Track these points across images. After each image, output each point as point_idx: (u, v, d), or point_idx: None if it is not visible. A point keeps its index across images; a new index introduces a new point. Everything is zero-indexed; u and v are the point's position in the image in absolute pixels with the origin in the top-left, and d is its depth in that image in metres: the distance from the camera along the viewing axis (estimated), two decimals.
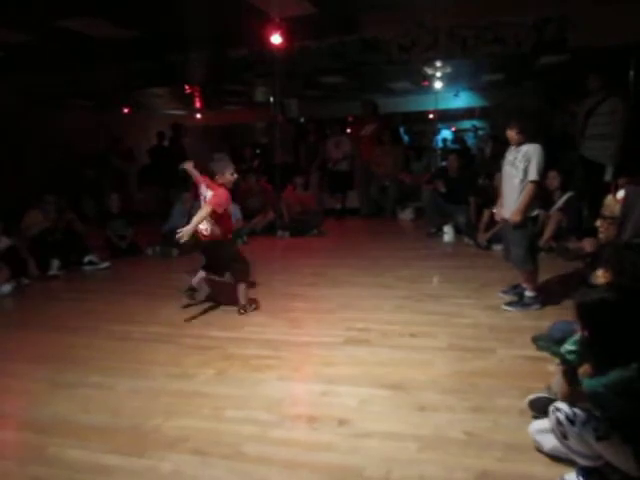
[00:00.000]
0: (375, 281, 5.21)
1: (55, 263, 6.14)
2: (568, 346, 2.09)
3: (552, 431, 1.98)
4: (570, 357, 2.04)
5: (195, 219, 4.08)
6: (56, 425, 2.71)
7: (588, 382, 1.89)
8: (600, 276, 2.21)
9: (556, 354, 2.17)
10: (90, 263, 6.46)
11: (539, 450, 2.22)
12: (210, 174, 4.30)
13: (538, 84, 11.01)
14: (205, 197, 4.29)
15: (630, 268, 2.06)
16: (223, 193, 4.24)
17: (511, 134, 4.07)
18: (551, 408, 1.97)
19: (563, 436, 1.91)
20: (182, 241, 3.96)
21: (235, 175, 4.37)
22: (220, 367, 3.34)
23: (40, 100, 9.87)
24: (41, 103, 9.99)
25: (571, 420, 1.87)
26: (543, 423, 2.20)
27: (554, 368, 2.50)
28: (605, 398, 1.81)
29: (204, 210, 4.13)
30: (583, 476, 1.97)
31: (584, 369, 1.98)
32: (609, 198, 3.57)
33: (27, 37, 7.22)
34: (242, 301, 4.42)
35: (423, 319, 4.05)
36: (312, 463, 2.28)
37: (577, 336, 2.08)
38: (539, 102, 10.50)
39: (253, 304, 4.51)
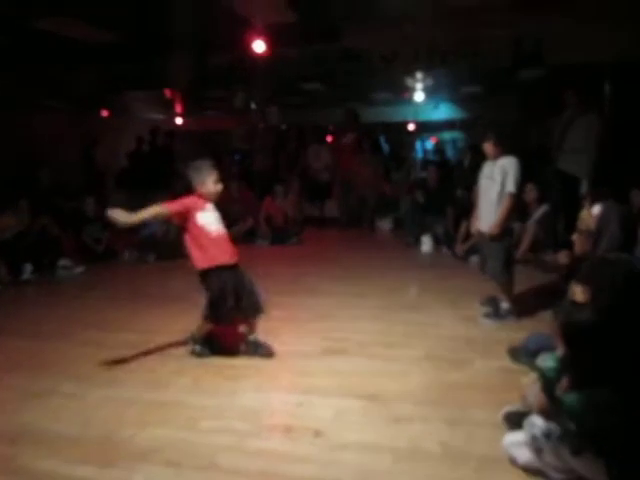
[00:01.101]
0: (353, 291, 5.21)
1: (28, 267, 6.02)
2: (549, 362, 2.11)
3: (527, 445, 1.99)
4: (550, 373, 2.06)
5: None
6: (26, 435, 2.65)
7: (566, 397, 1.91)
8: (579, 293, 2.24)
9: (536, 369, 2.19)
10: (64, 268, 6.34)
11: (513, 463, 2.23)
12: (188, 184, 3.63)
13: (516, 98, 11.17)
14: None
15: (608, 284, 2.09)
16: (186, 199, 3.53)
17: (487, 147, 4.13)
18: (527, 422, 1.98)
19: (538, 450, 1.92)
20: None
21: (219, 185, 3.64)
22: (194, 376, 3.30)
23: (12, 102, 9.69)
24: (13, 106, 9.80)
25: (547, 435, 1.88)
26: (517, 436, 2.21)
27: (527, 380, 2.53)
28: (581, 414, 1.84)
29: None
30: None
31: (563, 384, 2.00)
32: (584, 212, 3.62)
33: (1, 38, 7.09)
34: (195, 331, 3.64)
35: (400, 329, 4.06)
36: (288, 474, 2.26)
37: (557, 352, 2.11)
38: (515, 115, 10.66)
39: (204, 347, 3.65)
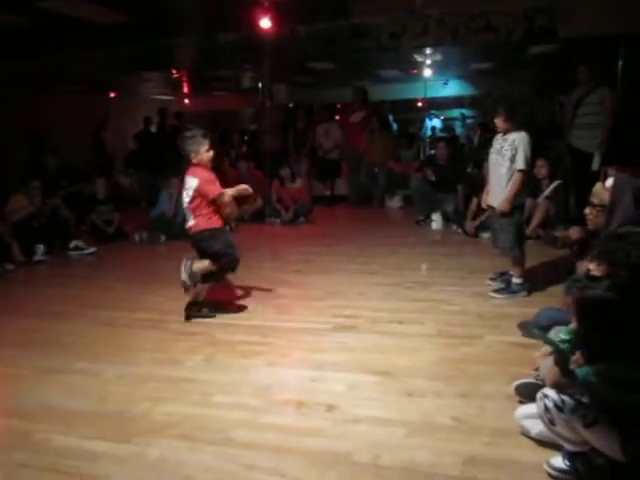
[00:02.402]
0: (363, 268, 5.21)
1: (40, 249, 6.07)
2: (563, 335, 2.11)
3: (539, 417, 1.99)
4: (564, 346, 2.06)
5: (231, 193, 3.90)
6: (41, 411, 2.68)
7: (581, 370, 1.91)
8: (594, 269, 2.22)
9: (550, 343, 2.19)
10: (76, 248, 6.39)
11: (525, 435, 2.24)
12: (184, 154, 3.91)
13: (528, 73, 11.02)
14: (191, 187, 3.87)
15: (624, 259, 2.07)
16: (209, 176, 3.87)
17: (498, 121, 4.09)
18: (539, 395, 1.98)
19: (550, 422, 1.92)
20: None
21: (211, 152, 3.92)
22: (208, 353, 3.32)
23: (23, 85, 9.68)
24: (24, 87, 9.80)
25: (559, 407, 1.88)
26: (529, 408, 2.21)
27: (539, 354, 2.52)
28: (596, 386, 1.83)
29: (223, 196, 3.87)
30: (569, 460, 1.98)
31: (577, 358, 2.00)
32: (598, 186, 3.57)
33: (9, 19, 7.06)
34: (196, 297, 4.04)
35: (411, 306, 4.06)
36: (300, 448, 2.27)
37: (571, 326, 2.10)
38: (526, 90, 10.51)
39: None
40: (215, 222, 3.93)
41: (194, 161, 3.89)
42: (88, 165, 9.96)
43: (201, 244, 3.96)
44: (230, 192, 3.91)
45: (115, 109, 12.49)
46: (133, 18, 7.30)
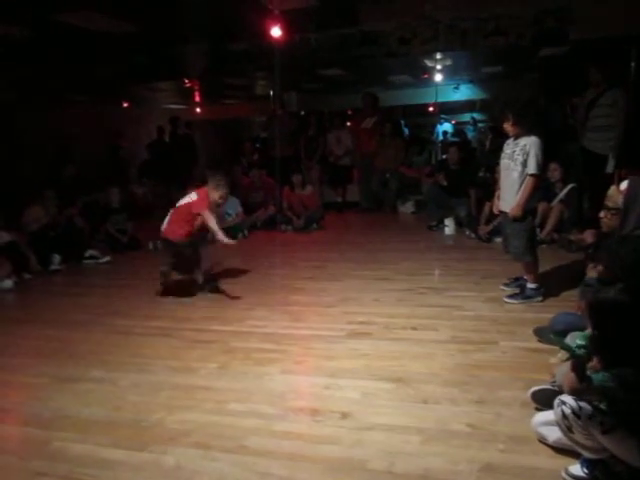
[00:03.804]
0: (376, 274, 5.21)
1: (56, 258, 6.14)
2: (579, 341, 2.09)
3: (557, 424, 1.98)
4: (580, 352, 2.04)
5: (215, 228, 4.51)
6: (58, 419, 2.70)
7: (597, 376, 1.89)
8: (601, 273, 2.21)
9: (567, 348, 2.17)
10: (91, 257, 6.46)
11: (542, 442, 2.22)
12: (201, 180, 4.70)
13: (538, 76, 10.97)
14: (189, 197, 4.69)
15: (633, 262, 2.06)
16: (205, 199, 4.59)
17: (507, 127, 4.08)
18: (556, 401, 1.96)
19: (568, 429, 1.91)
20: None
21: (221, 201, 4.75)
22: (222, 361, 3.33)
23: (38, 95, 9.82)
24: (39, 98, 9.93)
25: (577, 414, 1.86)
26: (546, 415, 2.20)
27: (556, 360, 2.50)
28: (613, 392, 1.81)
29: (209, 218, 4.51)
30: (587, 467, 1.96)
31: (594, 364, 1.98)
32: (612, 189, 3.55)
33: (25, 32, 7.17)
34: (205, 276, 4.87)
35: (424, 312, 4.04)
36: (315, 456, 2.27)
37: (587, 331, 2.09)
38: (533, 94, 10.45)
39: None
40: (182, 232, 4.65)
41: (209, 193, 4.64)
42: (103, 175, 10.06)
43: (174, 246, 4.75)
44: (212, 223, 4.50)
45: (129, 119, 12.61)
46: (145, 28, 7.38)
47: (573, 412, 1.88)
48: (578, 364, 2.02)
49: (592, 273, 2.34)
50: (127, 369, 3.29)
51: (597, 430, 1.83)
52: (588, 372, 1.98)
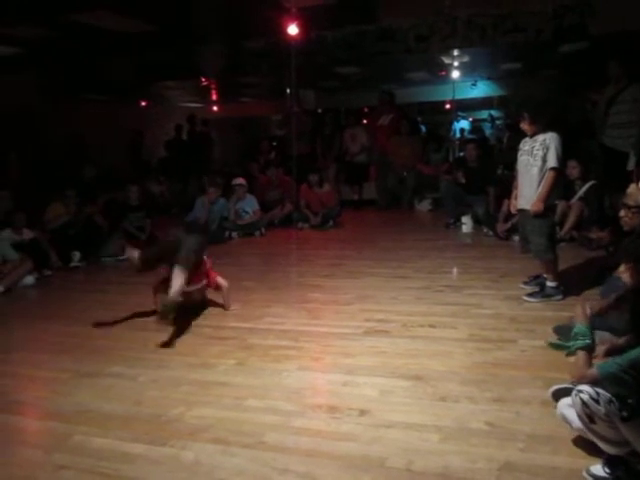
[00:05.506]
0: (393, 272, 5.19)
1: (76, 255, 6.24)
2: (576, 330, 2.18)
3: (578, 417, 1.96)
4: (579, 343, 2.13)
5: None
6: (80, 414, 2.74)
7: (600, 365, 1.92)
8: (622, 271, 2.19)
9: (566, 348, 2.20)
10: (110, 255, 6.52)
11: (566, 422, 2.16)
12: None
13: (558, 72, 10.85)
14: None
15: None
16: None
17: (524, 125, 4.06)
18: (574, 392, 1.95)
19: (589, 419, 1.89)
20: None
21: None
22: (240, 357, 3.35)
23: (58, 95, 9.92)
24: (59, 98, 10.04)
25: (595, 399, 1.85)
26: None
27: (574, 359, 2.48)
28: (620, 378, 1.81)
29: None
30: (609, 467, 1.94)
31: (598, 354, 2.00)
32: (632, 187, 3.51)
33: (43, 32, 7.25)
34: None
35: (442, 310, 4.02)
36: (333, 453, 2.27)
37: (584, 326, 2.21)
38: (549, 91, 10.34)
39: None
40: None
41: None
42: (123, 173, 10.16)
43: None
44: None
45: (147, 117, 12.71)
46: (162, 27, 7.43)
47: (591, 398, 1.87)
48: (586, 356, 2.08)
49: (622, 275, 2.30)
50: (146, 365, 3.32)
51: (617, 417, 1.81)
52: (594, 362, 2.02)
